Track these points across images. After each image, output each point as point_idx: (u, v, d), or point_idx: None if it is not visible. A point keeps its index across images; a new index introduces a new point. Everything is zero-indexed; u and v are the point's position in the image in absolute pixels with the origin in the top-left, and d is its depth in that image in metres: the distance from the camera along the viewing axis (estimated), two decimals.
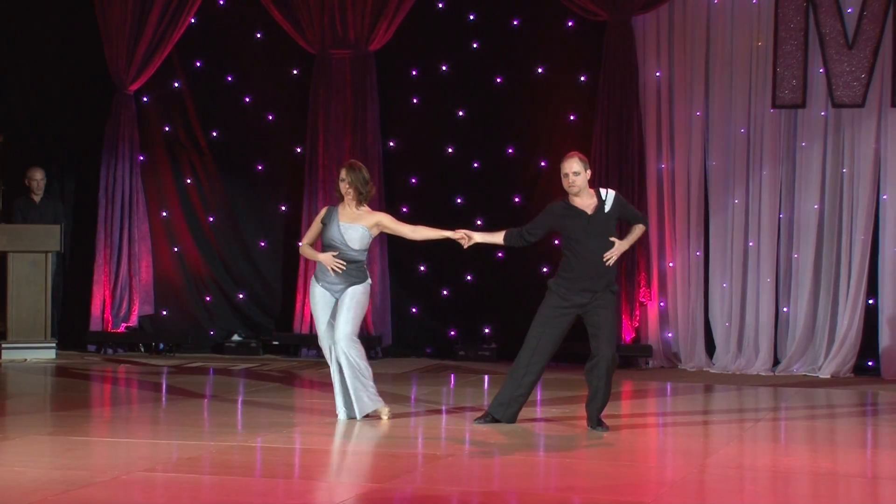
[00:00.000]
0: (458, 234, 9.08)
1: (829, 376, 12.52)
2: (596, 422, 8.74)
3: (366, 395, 9.05)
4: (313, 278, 9.21)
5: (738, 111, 13.11)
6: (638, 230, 8.99)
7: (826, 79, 12.76)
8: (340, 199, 9.20)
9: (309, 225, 13.79)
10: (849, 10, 12.71)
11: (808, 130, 12.94)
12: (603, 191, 8.91)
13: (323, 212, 9.26)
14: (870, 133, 12.75)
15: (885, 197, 12.74)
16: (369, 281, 9.17)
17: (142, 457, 7.64)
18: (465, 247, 9.16)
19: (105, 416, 9.77)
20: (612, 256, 8.72)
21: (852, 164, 12.80)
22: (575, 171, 8.74)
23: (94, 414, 9.81)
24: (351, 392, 9.05)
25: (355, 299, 9.03)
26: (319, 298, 9.12)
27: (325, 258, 9.04)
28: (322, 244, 9.17)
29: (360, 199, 9.10)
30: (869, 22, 12.65)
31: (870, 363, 12.80)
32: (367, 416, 9.07)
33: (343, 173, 9.11)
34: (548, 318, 8.81)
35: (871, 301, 12.77)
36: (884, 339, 12.66)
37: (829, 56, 12.73)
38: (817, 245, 12.90)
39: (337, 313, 9.04)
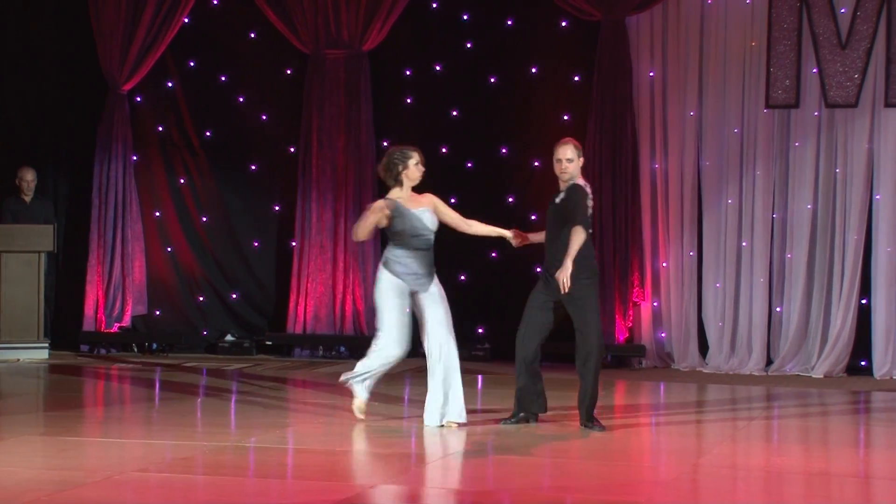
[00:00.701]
0: (512, 233, 8.98)
1: (822, 376, 12.54)
2: (588, 419, 8.72)
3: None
4: (383, 266, 8.75)
5: (731, 111, 13.12)
6: (572, 241, 8.60)
7: (819, 79, 12.77)
8: (398, 184, 8.87)
9: (303, 224, 13.89)
10: (842, 11, 12.72)
11: (801, 130, 12.95)
12: (576, 182, 8.84)
13: (383, 205, 8.76)
14: (863, 133, 12.76)
15: (878, 197, 12.75)
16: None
17: (135, 457, 7.62)
18: (518, 245, 9.02)
19: (98, 416, 9.76)
20: (562, 281, 8.47)
21: (845, 165, 12.82)
22: (568, 157, 8.73)
23: (87, 414, 9.80)
24: (458, 393, 8.85)
25: (442, 294, 8.85)
26: (394, 289, 8.74)
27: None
28: (407, 235, 8.71)
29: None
30: (862, 22, 12.67)
31: (863, 363, 12.81)
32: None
33: (421, 156, 8.90)
34: (531, 301, 8.88)
35: (864, 301, 12.78)
36: (877, 339, 12.68)
37: (823, 56, 12.75)
38: (810, 245, 12.91)
39: (433, 312, 8.80)
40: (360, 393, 9.02)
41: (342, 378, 9.03)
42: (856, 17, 12.67)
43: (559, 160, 8.75)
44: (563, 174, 8.75)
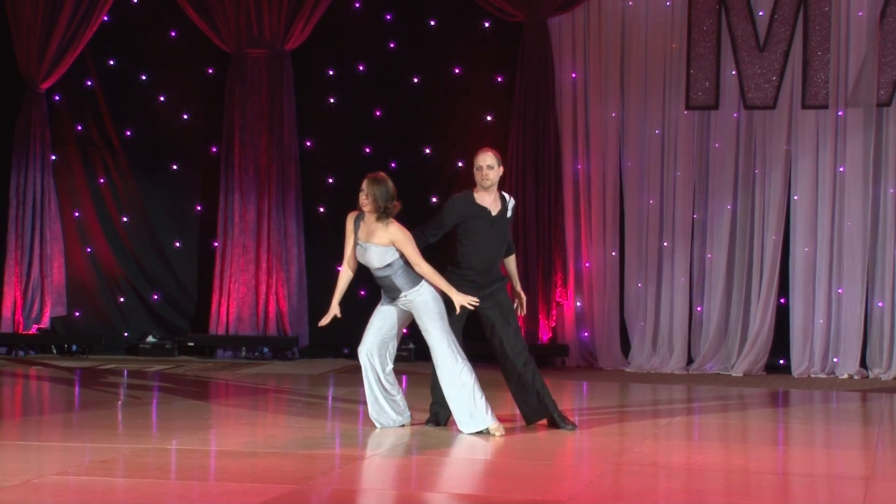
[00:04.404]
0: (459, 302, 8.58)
1: (741, 374, 12.70)
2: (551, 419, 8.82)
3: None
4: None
5: (652, 112, 13.24)
6: (513, 264, 9.05)
7: (738, 81, 12.94)
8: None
9: (225, 224, 13.80)
10: (760, 13, 12.90)
11: (720, 132, 13.11)
12: (506, 195, 8.93)
13: (350, 219, 8.70)
14: (781, 134, 12.94)
15: (795, 198, 12.94)
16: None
17: (54, 460, 7.52)
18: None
19: (16, 419, 9.61)
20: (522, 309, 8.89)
21: (764, 165, 12.99)
22: (489, 164, 8.75)
23: (5, 417, 9.64)
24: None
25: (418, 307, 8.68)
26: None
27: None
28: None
29: (381, 215, 8.50)
30: (779, 24, 12.85)
31: (781, 361, 13.00)
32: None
33: (364, 185, 8.52)
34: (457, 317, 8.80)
35: (782, 300, 12.97)
36: (795, 338, 12.86)
37: (741, 58, 12.92)
38: (730, 245, 13.07)
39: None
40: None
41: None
42: (773, 20, 12.85)
43: (479, 167, 8.75)
44: (486, 181, 8.75)
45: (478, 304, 8.61)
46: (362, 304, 14.06)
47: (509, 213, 8.84)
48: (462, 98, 13.73)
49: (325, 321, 8.84)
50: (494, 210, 8.77)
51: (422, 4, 13.85)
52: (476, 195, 8.80)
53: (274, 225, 13.80)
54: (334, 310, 8.82)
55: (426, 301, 8.58)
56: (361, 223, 8.64)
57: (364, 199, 8.54)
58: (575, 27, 13.41)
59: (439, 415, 8.83)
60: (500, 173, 8.81)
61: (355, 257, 8.74)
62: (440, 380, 8.63)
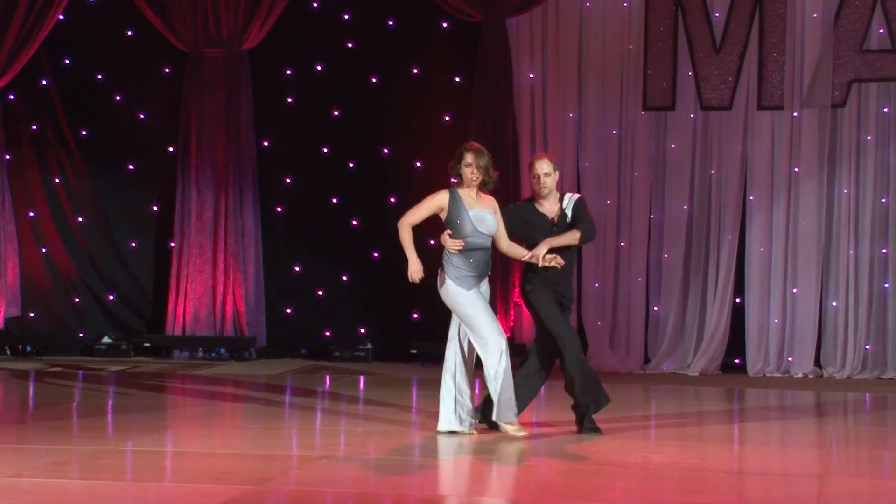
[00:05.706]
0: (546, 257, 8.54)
1: (697, 374, 12.77)
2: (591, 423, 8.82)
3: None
4: (441, 271, 8.41)
5: (609, 113, 13.29)
6: (569, 235, 8.68)
7: (694, 81, 13.01)
8: (460, 183, 8.51)
9: (182, 224, 13.73)
10: (716, 15, 12.98)
11: (677, 132, 13.18)
12: (567, 196, 8.89)
13: (445, 196, 8.45)
14: (737, 135, 13.03)
15: (751, 198, 13.03)
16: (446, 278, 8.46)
17: (8, 462, 7.46)
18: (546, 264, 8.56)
19: None
20: (533, 255, 8.54)
21: (720, 166, 13.07)
22: (546, 171, 8.71)
23: None
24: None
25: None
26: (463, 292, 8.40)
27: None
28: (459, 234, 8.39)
29: (487, 184, 8.46)
30: (735, 26, 12.93)
31: (736, 361, 13.08)
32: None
33: (469, 157, 8.43)
34: (551, 306, 8.70)
35: (737, 300, 13.05)
36: (750, 338, 12.94)
37: (698, 59, 13.00)
38: (686, 245, 13.15)
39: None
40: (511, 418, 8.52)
41: (499, 424, 8.49)
42: (729, 22, 12.93)
43: (537, 175, 8.69)
44: (544, 189, 8.70)
45: (562, 264, 8.51)
46: (320, 303, 14.09)
47: (569, 216, 8.74)
48: (420, 98, 13.73)
49: (417, 275, 8.47)
50: (553, 215, 8.74)
51: (380, 4, 13.84)
52: (536, 203, 8.77)
53: (231, 225, 13.74)
54: (418, 261, 8.45)
55: (488, 291, 8.58)
56: (461, 195, 8.45)
57: (473, 173, 8.44)
58: (533, 28, 13.43)
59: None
60: (557, 177, 8.78)
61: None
62: (464, 373, 8.45)
